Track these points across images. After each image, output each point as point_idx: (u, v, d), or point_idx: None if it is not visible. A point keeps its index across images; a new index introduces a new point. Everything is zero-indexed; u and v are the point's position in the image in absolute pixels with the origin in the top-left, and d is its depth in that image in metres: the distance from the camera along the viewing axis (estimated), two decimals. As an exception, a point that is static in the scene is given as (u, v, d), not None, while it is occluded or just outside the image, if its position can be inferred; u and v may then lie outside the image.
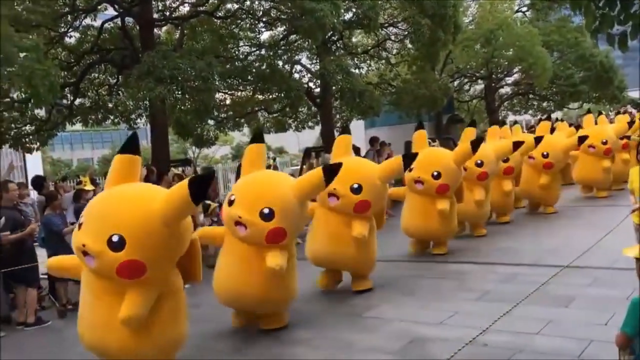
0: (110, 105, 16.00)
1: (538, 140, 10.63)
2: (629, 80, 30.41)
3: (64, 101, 14.78)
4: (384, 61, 20.97)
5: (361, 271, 7.19)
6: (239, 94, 18.54)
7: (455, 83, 26.99)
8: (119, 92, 15.65)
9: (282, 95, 16.42)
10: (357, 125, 25.45)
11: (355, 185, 6.69)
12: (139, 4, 13.89)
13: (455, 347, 4.96)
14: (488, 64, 25.06)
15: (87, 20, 15.17)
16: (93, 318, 4.58)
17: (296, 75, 18.79)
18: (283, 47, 17.11)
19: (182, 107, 14.03)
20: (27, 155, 21.63)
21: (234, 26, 16.66)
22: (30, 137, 14.39)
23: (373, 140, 14.83)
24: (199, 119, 15.45)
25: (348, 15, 16.82)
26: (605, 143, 12.32)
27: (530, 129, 17.17)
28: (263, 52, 17.02)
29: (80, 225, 4.54)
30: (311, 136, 29.11)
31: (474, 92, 30.52)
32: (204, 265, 5.32)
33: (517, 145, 9.75)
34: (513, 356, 4.76)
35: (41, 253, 7.86)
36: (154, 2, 14.97)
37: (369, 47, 20.56)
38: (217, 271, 5.89)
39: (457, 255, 8.73)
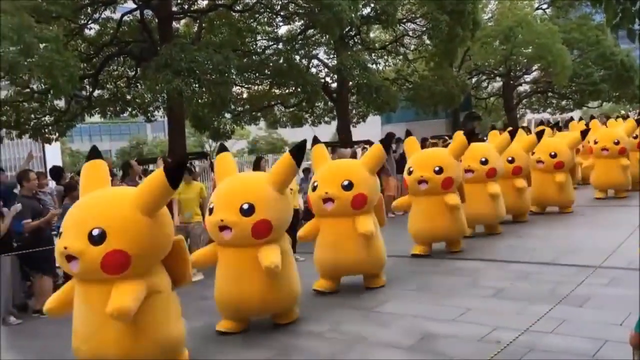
0: (128, 97, 16.16)
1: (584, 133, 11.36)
2: (650, 80, 29.95)
3: (83, 92, 14.95)
4: (401, 57, 20.89)
5: (372, 272, 7.10)
6: (256, 87, 18.62)
7: (473, 80, 26.82)
8: (137, 84, 15.78)
9: (299, 89, 16.46)
10: (374, 121, 25.42)
11: (346, 183, 6.64)
12: (158, -4, 13.98)
13: (468, 344, 4.94)
14: (507, 61, 24.86)
15: (107, 13, 15.32)
16: (86, 329, 4.46)
17: (313, 70, 18.82)
18: (300, 42, 17.14)
19: (199, 100, 14.10)
20: (46, 146, 21.97)
21: (252, 20, 16.72)
22: (50, 127, 14.59)
23: (389, 137, 14.76)
24: (215, 112, 15.54)
25: (366, 11, 16.80)
26: (617, 143, 12.26)
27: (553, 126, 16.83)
28: (280, 46, 17.07)
29: (60, 234, 4.49)
30: (327, 131, 29.08)
31: (492, 90, 30.31)
32: None
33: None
34: (526, 354, 4.72)
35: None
36: (172, -5, 15.06)
37: (387, 43, 20.52)
38: (216, 288, 5.79)
39: (471, 253, 8.67)
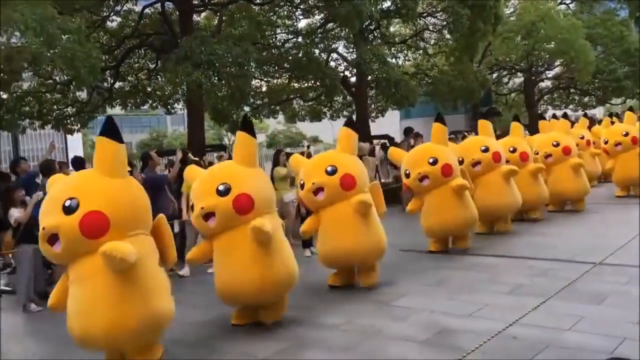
0: (148, 89, 16.26)
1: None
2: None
3: (104, 84, 15.08)
4: (421, 51, 20.75)
5: (370, 259, 6.96)
6: (275, 81, 18.63)
7: (494, 75, 26.54)
8: (158, 76, 15.88)
9: (318, 83, 16.43)
10: (392, 116, 25.34)
11: (329, 168, 6.74)
12: (179, -11, 14.04)
13: (484, 339, 4.93)
14: (528, 57, 24.55)
15: (129, 5, 15.44)
16: (78, 307, 4.52)
17: (332, 64, 18.77)
18: (320, 35, 17.10)
19: (219, 93, 14.15)
20: (68, 137, 22.22)
21: (271, 13, 16.72)
22: (72, 118, 14.76)
23: (408, 131, 14.74)
24: (234, 105, 15.56)
25: (386, 4, 16.67)
26: (626, 135, 12.44)
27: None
28: (300, 39, 17.03)
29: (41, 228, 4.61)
30: (345, 126, 29.02)
31: (513, 85, 29.97)
32: None
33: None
34: (542, 351, 4.70)
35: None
36: (193, -12, 15.11)
37: (407, 37, 20.36)
38: (215, 277, 5.76)
39: (488, 249, 8.64)
